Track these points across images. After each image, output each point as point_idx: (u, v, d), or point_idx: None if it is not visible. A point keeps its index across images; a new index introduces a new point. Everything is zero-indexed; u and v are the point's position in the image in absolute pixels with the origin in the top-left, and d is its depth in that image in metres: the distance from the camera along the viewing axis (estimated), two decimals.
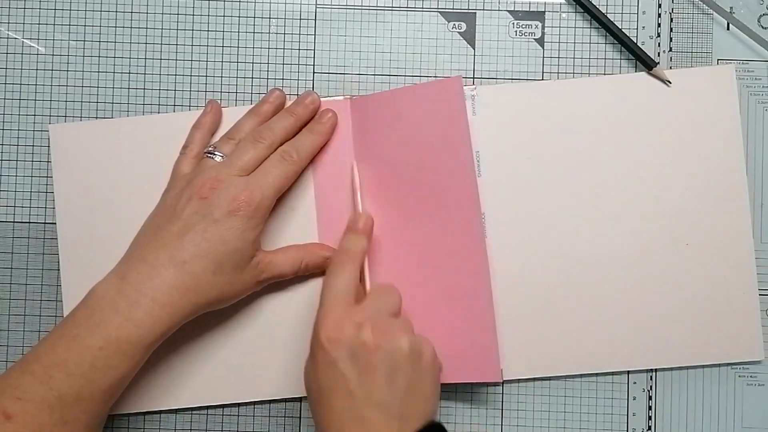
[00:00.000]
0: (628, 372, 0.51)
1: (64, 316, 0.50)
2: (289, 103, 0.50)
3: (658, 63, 0.51)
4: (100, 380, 0.42)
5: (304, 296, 0.50)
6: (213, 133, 0.50)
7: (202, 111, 0.50)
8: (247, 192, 0.45)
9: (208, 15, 0.52)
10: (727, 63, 0.51)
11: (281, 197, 0.50)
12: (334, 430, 0.42)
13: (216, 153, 0.47)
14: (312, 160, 0.50)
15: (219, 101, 0.51)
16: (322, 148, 0.50)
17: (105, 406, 0.43)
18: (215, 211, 0.44)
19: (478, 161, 0.51)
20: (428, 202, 0.49)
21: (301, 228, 0.50)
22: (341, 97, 0.51)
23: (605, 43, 0.52)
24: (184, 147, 0.49)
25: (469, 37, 0.52)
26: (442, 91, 0.48)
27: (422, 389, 0.43)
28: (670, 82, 0.50)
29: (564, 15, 0.52)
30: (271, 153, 0.47)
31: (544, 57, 0.52)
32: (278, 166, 0.46)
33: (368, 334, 0.42)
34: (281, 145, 0.48)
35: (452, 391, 0.51)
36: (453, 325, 0.48)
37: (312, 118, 0.50)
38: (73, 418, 0.41)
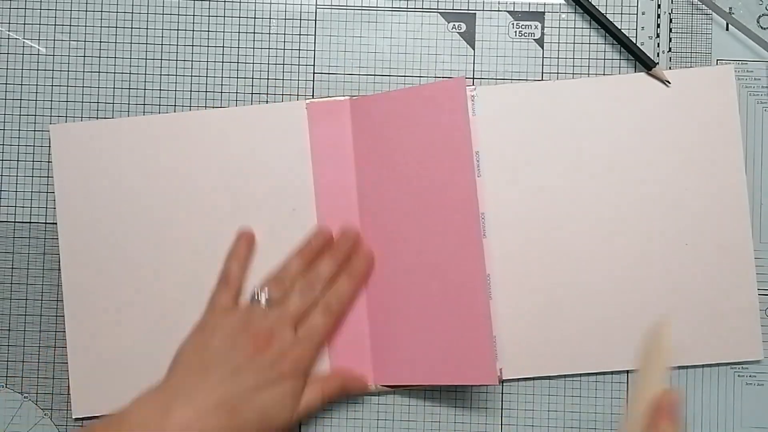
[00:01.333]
0: (628, 372, 0.51)
1: (65, 316, 0.50)
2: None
3: (658, 63, 0.51)
4: None
5: None
6: (249, 264, 0.50)
7: (234, 241, 0.50)
8: (298, 351, 0.46)
9: (208, 15, 0.52)
10: (726, 63, 0.51)
11: (281, 197, 0.50)
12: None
13: (263, 298, 0.47)
14: (312, 160, 0.50)
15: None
16: (322, 149, 0.50)
17: None
18: (269, 370, 0.45)
19: (477, 161, 0.51)
20: (427, 203, 0.49)
21: (301, 228, 0.50)
22: (341, 98, 0.51)
23: (605, 44, 0.52)
24: (224, 279, 0.49)
25: (469, 37, 0.52)
26: (445, 92, 0.48)
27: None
28: (669, 83, 0.51)
29: (564, 15, 0.52)
30: (317, 300, 0.48)
31: (543, 57, 0.52)
32: (322, 321, 0.48)
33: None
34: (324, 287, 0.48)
35: (452, 391, 0.51)
36: (449, 327, 0.48)
37: (350, 253, 0.50)
38: None
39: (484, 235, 0.51)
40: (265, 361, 0.45)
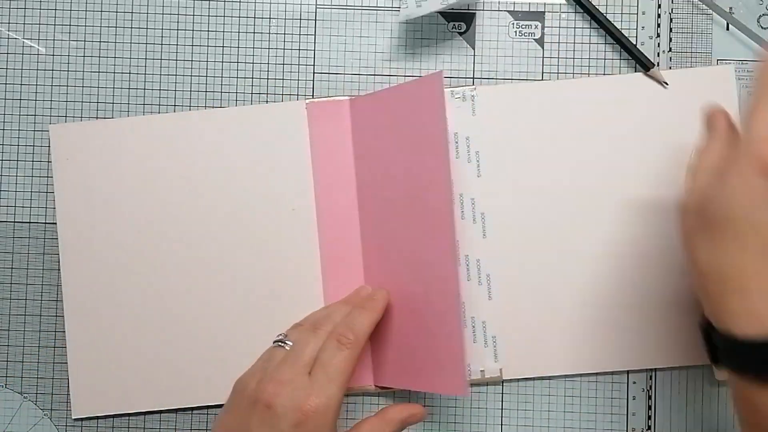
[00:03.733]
0: (628, 372, 0.51)
1: (64, 316, 0.50)
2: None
3: (657, 64, 0.51)
4: None
5: (304, 296, 0.50)
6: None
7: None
8: (312, 397, 0.42)
9: (208, 15, 0.52)
10: (726, 63, 0.51)
11: (281, 197, 0.50)
12: (736, 270, 0.36)
13: (287, 341, 0.45)
14: (312, 160, 0.50)
15: (218, 103, 0.52)
16: (322, 149, 0.50)
17: None
18: (281, 425, 0.41)
19: (477, 161, 0.51)
20: (409, 204, 0.48)
21: (300, 228, 0.50)
22: (341, 97, 0.51)
23: (605, 44, 0.52)
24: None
25: (469, 37, 0.52)
26: (425, 87, 0.47)
27: None
28: (667, 84, 0.51)
29: (564, 15, 0.52)
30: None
31: (543, 57, 0.52)
32: (337, 354, 0.44)
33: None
34: None
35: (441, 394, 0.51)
36: (424, 334, 0.47)
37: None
38: None
39: (483, 235, 0.51)
40: (277, 417, 0.41)
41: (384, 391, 0.51)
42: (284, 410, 0.41)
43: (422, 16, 0.52)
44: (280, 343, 0.46)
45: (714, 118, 0.41)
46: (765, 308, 0.35)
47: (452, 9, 0.52)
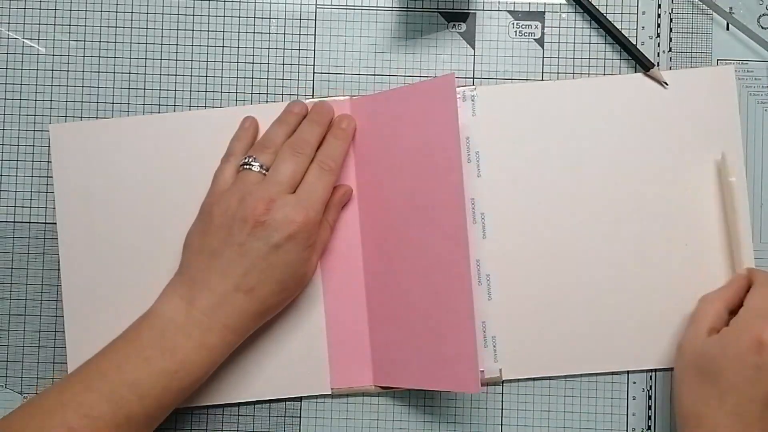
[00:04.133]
0: (628, 372, 0.51)
1: (64, 316, 0.50)
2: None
3: (657, 64, 0.51)
4: (170, 402, 0.44)
5: (304, 296, 0.50)
6: (251, 145, 0.50)
7: (240, 125, 0.50)
8: (302, 212, 0.45)
9: (208, 15, 0.52)
10: (726, 63, 0.51)
11: None
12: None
13: (253, 163, 0.46)
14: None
15: (219, 102, 0.51)
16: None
17: (162, 420, 0.45)
18: (275, 237, 0.44)
19: (477, 161, 0.51)
20: (420, 203, 0.48)
21: None
22: (341, 97, 0.51)
23: (605, 44, 0.52)
24: (226, 157, 0.49)
25: (469, 37, 0.52)
26: (436, 89, 0.48)
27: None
28: (667, 84, 0.50)
29: (564, 15, 0.52)
30: (309, 163, 0.47)
31: (543, 57, 0.52)
32: (321, 178, 0.47)
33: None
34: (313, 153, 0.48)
35: (453, 391, 0.51)
36: (434, 332, 0.47)
37: (329, 122, 0.50)
38: None
39: (483, 235, 0.50)
40: (269, 230, 0.44)
41: (384, 391, 0.51)
42: (276, 224, 0.44)
43: (418, 7, 0.51)
44: (246, 166, 0.47)
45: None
46: None
47: None
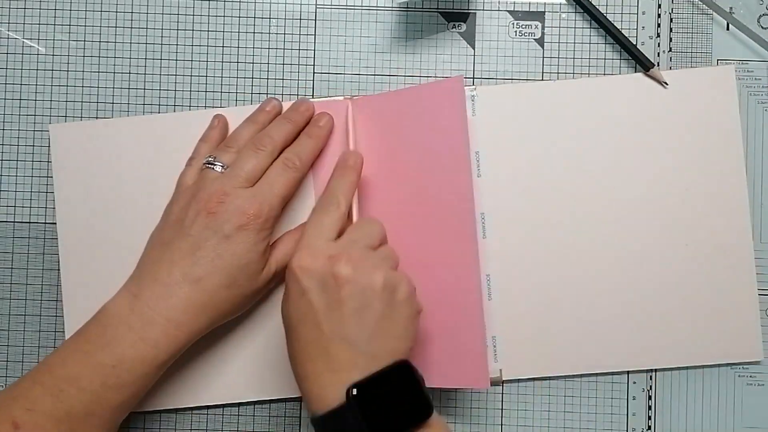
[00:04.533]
0: (628, 372, 0.51)
1: (64, 316, 0.50)
2: (285, 110, 0.50)
3: (657, 64, 0.51)
4: (110, 397, 0.42)
5: None
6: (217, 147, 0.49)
7: (209, 125, 0.50)
8: (255, 204, 0.44)
9: (208, 15, 0.52)
10: (726, 63, 0.51)
11: None
12: (300, 361, 0.42)
13: (216, 163, 0.46)
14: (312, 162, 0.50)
15: (220, 103, 0.52)
16: (321, 152, 0.50)
17: (115, 422, 0.44)
18: (225, 227, 0.44)
19: (477, 161, 0.51)
20: (425, 203, 0.49)
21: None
22: (341, 97, 0.51)
23: (605, 44, 0.52)
24: (190, 159, 0.49)
25: (469, 37, 0.52)
26: (444, 91, 0.48)
27: (393, 328, 0.42)
28: (667, 84, 0.50)
29: (564, 15, 0.52)
30: (273, 161, 0.46)
31: (544, 57, 0.52)
32: (282, 174, 0.46)
33: (341, 266, 0.41)
34: (281, 152, 0.47)
35: (453, 391, 0.51)
36: (443, 329, 0.48)
37: (308, 123, 0.49)
38: None
39: (483, 235, 0.50)
40: (220, 220, 0.44)
41: None
42: (228, 215, 0.44)
43: (418, 7, 0.52)
44: (209, 165, 0.46)
45: None
46: (321, 389, 0.40)
47: None
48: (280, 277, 0.46)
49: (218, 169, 0.46)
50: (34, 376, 0.43)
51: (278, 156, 0.47)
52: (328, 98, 0.51)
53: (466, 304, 0.47)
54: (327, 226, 0.44)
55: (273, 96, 0.50)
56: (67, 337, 0.50)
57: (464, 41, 0.52)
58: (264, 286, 0.46)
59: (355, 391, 0.39)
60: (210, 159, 0.47)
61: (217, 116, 0.50)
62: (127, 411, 0.44)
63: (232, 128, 0.50)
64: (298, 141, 0.48)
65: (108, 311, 0.44)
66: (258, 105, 0.50)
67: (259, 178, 0.46)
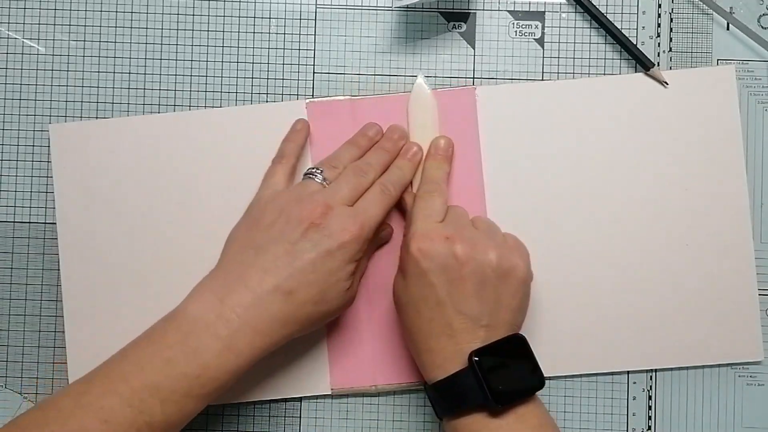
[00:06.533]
0: (628, 372, 0.51)
1: (64, 316, 0.50)
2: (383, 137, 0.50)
3: (657, 63, 0.51)
4: (191, 407, 0.41)
5: None
6: (303, 147, 0.50)
7: (291, 127, 0.50)
8: (357, 223, 0.44)
9: (208, 15, 0.52)
10: (727, 63, 0.51)
11: None
12: (422, 335, 0.43)
13: (317, 174, 0.46)
14: (312, 160, 0.50)
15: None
16: (322, 148, 0.50)
17: (184, 425, 0.43)
18: (327, 241, 0.43)
19: None
20: None
21: None
22: (341, 97, 0.51)
23: (605, 44, 0.52)
24: (279, 157, 0.49)
25: (469, 37, 0.52)
26: (455, 101, 0.50)
27: (509, 301, 0.44)
28: (667, 83, 0.50)
29: (564, 15, 0.52)
30: (369, 186, 0.47)
31: (544, 57, 0.52)
32: (380, 198, 0.46)
33: (459, 246, 0.43)
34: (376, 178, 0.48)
35: None
36: None
37: (399, 150, 0.50)
38: None
39: None
40: (323, 234, 0.43)
41: (384, 391, 0.51)
42: (331, 230, 0.43)
43: (418, 7, 0.52)
44: (311, 176, 0.47)
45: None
46: (443, 359, 0.43)
47: None
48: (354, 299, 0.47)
49: (319, 180, 0.46)
50: (105, 384, 0.41)
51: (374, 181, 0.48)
52: (328, 98, 0.51)
53: None
54: (435, 210, 0.46)
55: (373, 122, 0.50)
56: (67, 337, 0.50)
57: (464, 41, 0.52)
58: (345, 305, 0.46)
59: (477, 358, 0.41)
60: (313, 170, 0.47)
61: (299, 121, 0.50)
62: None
63: (231, 127, 0.50)
64: (391, 170, 0.48)
65: (190, 315, 0.42)
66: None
67: (357, 200, 0.46)
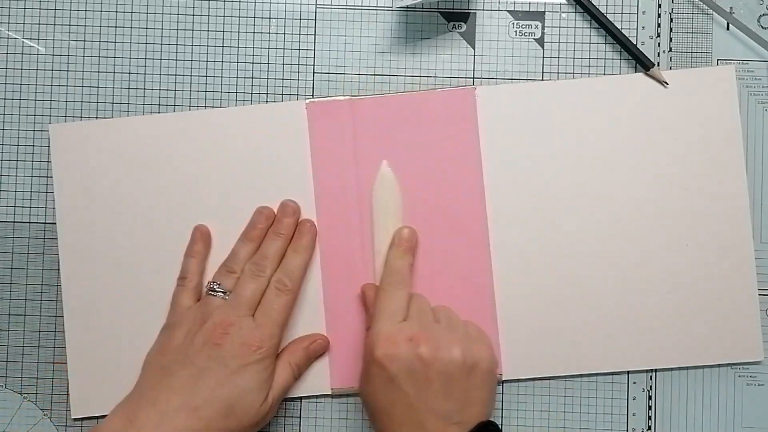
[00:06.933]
0: (628, 372, 0.51)
1: (64, 316, 0.50)
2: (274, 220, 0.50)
3: (657, 63, 0.51)
4: None
5: (302, 299, 0.50)
6: (206, 260, 0.50)
7: (191, 237, 0.50)
8: (257, 336, 0.45)
9: (208, 15, 0.52)
10: (726, 63, 0.51)
11: (280, 197, 0.50)
12: None
13: (218, 290, 0.47)
14: (312, 160, 0.50)
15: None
16: (322, 148, 0.50)
17: None
18: (230, 361, 0.45)
19: None
20: (431, 205, 0.50)
21: (299, 228, 0.50)
22: (341, 98, 0.51)
23: (605, 44, 0.52)
24: (181, 278, 0.49)
25: (469, 37, 0.52)
26: (455, 101, 0.50)
27: (478, 395, 0.44)
28: (667, 83, 0.50)
29: (564, 15, 0.52)
30: (269, 282, 0.48)
31: (544, 57, 0.52)
32: (277, 300, 0.47)
33: (424, 348, 0.44)
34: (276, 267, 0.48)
35: None
36: None
37: (294, 228, 0.50)
38: None
39: None
40: (225, 353, 0.45)
41: None
42: (233, 347, 0.45)
43: (419, 7, 0.52)
44: (211, 292, 0.47)
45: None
46: None
47: None
48: (276, 410, 0.48)
49: (220, 296, 0.47)
50: None
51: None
52: (328, 98, 0.51)
53: (479, 306, 0.49)
54: (398, 306, 0.46)
55: (263, 206, 0.50)
56: (67, 337, 0.50)
57: (464, 41, 0.52)
58: (261, 419, 0.46)
59: None
60: (213, 285, 0.48)
61: (198, 228, 0.50)
62: None
63: (231, 127, 0.50)
64: (287, 258, 0.49)
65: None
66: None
67: (260, 300, 0.47)
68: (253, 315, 0.47)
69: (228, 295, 0.47)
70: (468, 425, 0.43)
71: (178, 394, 0.44)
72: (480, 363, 0.45)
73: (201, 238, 0.50)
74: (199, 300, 0.49)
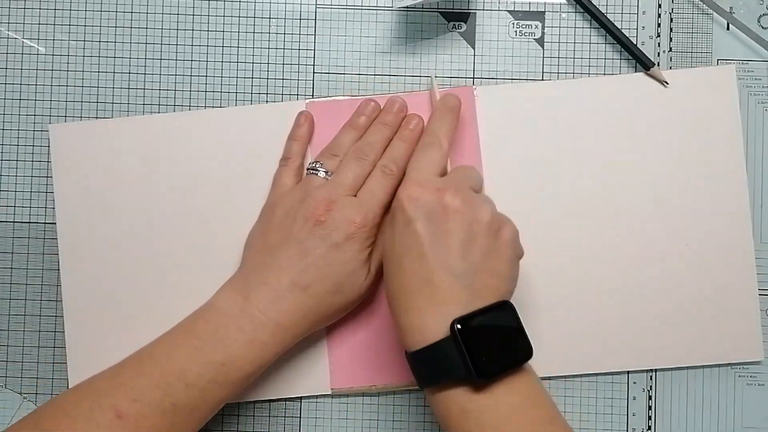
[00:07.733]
0: (628, 372, 0.51)
1: (64, 316, 0.50)
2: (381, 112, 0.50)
3: (657, 63, 0.51)
4: (216, 393, 0.43)
5: None
6: (309, 144, 0.50)
7: (294, 122, 0.50)
8: (361, 213, 0.45)
9: (208, 15, 0.52)
10: (727, 63, 0.51)
11: None
12: (401, 294, 0.41)
13: (320, 169, 0.47)
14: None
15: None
16: (322, 148, 0.50)
17: (212, 414, 0.45)
18: (334, 235, 0.45)
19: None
20: None
21: None
22: (341, 97, 0.51)
23: (605, 43, 0.52)
24: (284, 159, 0.49)
25: (469, 37, 0.52)
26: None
27: (497, 265, 0.41)
28: (667, 83, 0.50)
29: (564, 15, 0.52)
30: (374, 166, 0.47)
31: (544, 57, 0.52)
32: (382, 182, 0.47)
33: (450, 197, 0.41)
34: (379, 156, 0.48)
35: None
36: None
37: (401, 122, 0.49)
38: (182, 426, 0.43)
39: None
40: (328, 230, 0.45)
41: (384, 391, 0.51)
42: (336, 224, 0.45)
43: (418, 7, 0.52)
44: (313, 171, 0.47)
45: None
46: (422, 322, 0.40)
47: None
48: (378, 281, 0.48)
49: (322, 175, 0.47)
50: (137, 365, 0.43)
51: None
52: (329, 98, 0.51)
53: None
54: (432, 163, 0.44)
55: (370, 98, 0.50)
56: (67, 337, 0.50)
57: (464, 41, 0.52)
58: (365, 292, 0.47)
59: (459, 326, 0.39)
60: (314, 165, 0.48)
61: (303, 113, 0.50)
62: (223, 405, 0.45)
63: (231, 127, 0.50)
64: (393, 146, 0.48)
65: (217, 309, 0.45)
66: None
67: (362, 185, 0.47)
68: (355, 196, 0.46)
69: (330, 176, 0.47)
70: (479, 294, 0.40)
71: (288, 272, 0.44)
72: (505, 232, 0.42)
73: (307, 122, 0.50)
74: (298, 181, 0.49)
